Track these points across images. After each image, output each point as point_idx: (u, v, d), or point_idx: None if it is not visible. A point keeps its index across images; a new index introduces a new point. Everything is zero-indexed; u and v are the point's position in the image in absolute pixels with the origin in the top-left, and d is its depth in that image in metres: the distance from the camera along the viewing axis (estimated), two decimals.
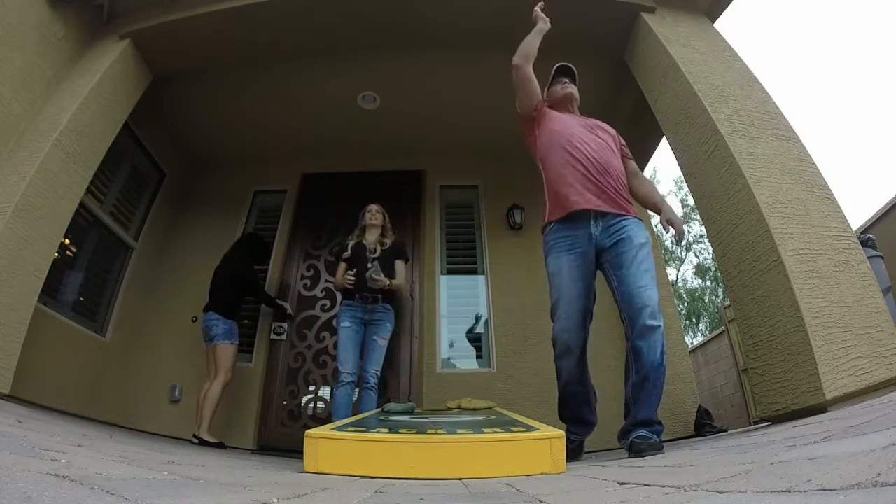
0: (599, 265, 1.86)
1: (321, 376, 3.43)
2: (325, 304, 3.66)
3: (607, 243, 1.81)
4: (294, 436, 3.05)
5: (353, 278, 2.70)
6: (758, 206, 2.01)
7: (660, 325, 1.65)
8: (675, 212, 1.90)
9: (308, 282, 3.77)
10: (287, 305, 3.52)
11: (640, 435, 1.56)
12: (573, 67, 2.22)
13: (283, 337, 3.54)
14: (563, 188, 1.88)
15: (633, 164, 2.09)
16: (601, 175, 1.86)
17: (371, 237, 2.93)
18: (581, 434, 1.89)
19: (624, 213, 1.85)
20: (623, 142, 2.13)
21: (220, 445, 2.80)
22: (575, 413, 1.87)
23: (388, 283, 2.72)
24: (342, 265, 2.89)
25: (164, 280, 3.82)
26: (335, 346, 2.95)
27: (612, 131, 2.13)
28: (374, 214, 2.97)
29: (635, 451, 1.53)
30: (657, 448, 1.52)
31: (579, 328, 1.79)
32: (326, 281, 3.72)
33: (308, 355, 3.50)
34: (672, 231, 1.87)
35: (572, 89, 2.17)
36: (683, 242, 2.15)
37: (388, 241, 2.93)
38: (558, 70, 2.22)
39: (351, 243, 2.92)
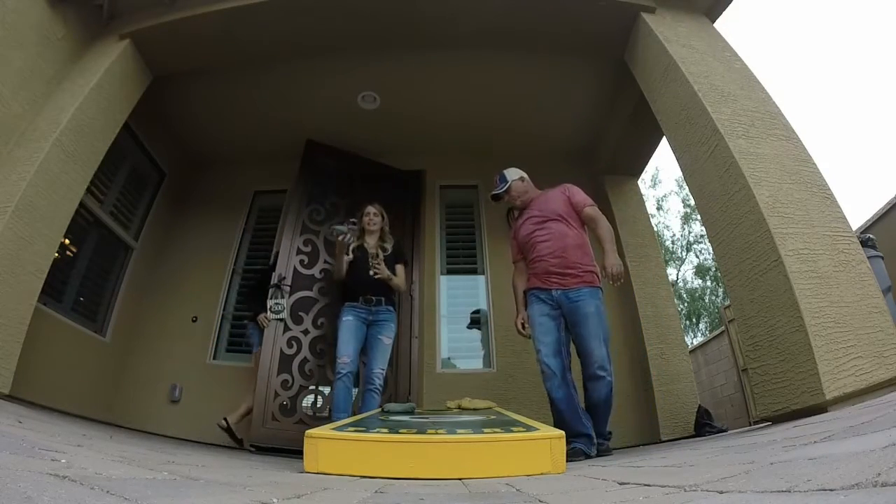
0: (563, 318, 2.28)
1: (318, 367, 3.19)
2: (323, 287, 3.44)
3: (565, 306, 2.26)
4: (286, 433, 2.86)
5: (350, 256, 2.76)
6: (758, 206, 2.01)
7: (604, 377, 2.11)
8: (616, 258, 2.25)
9: (305, 258, 3.46)
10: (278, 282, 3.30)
11: (598, 442, 2.08)
12: (495, 192, 2.57)
13: (282, 315, 3.20)
14: (533, 278, 2.40)
15: (587, 212, 2.40)
16: (558, 263, 2.29)
17: (371, 240, 2.91)
18: (585, 448, 1.99)
19: (578, 285, 2.25)
20: (576, 198, 2.43)
21: (239, 442, 2.83)
22: (573, 427, 2.02)
23: (391, 275, 2.77)
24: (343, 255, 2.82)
25: (165, 280, 3.82)
26: (334, 333, 2.78)
27: (562, 197, 2.44)
28: (371, 219, 2.92)
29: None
30: (608, 451, 2.15)
31: (555, 355, 2.19)
32: (325, 262, 3.50)
33: (304, 341, 3.21)
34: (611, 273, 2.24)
35: (516, 200, 2.54)
36: (619, 283, 2.54)
37: (388, 247, 2.91)
38: (492, 199, 2.62)
39: (353, 245, 2.87)
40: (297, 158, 3.89)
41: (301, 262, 3.45)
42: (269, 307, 3.19)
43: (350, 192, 3.69)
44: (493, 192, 2.59)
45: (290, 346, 3.19)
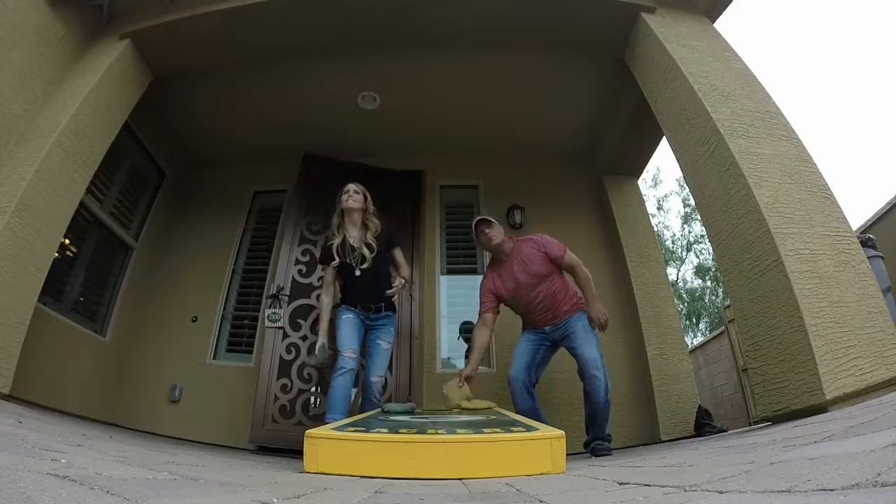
0: (559, 346, 2.53)
1: (317, 371, 3.22)
2: (321, 294, 3.34)
3: (558, 337, 2.49)
4: (285, 434, 2.95)
5: (336, 261, 2.46)
6: (758, 206, 2.01)
7: (598, 376, 2.29)
8: (599, 307, 2.49)
9: (303, 267, 3.55)
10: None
11: (598, 443, 2.28)
12: (485, 217, 2.63)
13: (279, 324, 3.31)
14: (525, 324, 2.66)
15: (566, 262, 2.54)
16: (546, 312, 2.51)
17: (353, 230, 2.55)
18: None
19: (566, 316, 2.46)
20: (552, 252, 2.51)
21: None
22: None
23: (404, 283, 2.59)
24: (330, 270, 2.55)
25: (164, 280, 3.82)
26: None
27: (539, 255, 2.51)
28: (351, 196, 2.54)
29: (595, 454, 2.25)
30: (608, 451, 2.25)
31: (524, 371, 2.46)
32: (321, 269, 3.45)
33: (303, 347, 3.29)
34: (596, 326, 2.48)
35: (496, 238, 2.56)
36: (606, 330, 2.56)
37: (372, 242, 2.52)
38: (476, 225, 2.62)
39: (335, 243, 2.51)
40: (297, 159, 3.90)
41: (299, 271, 3.54)
42: (266, 316, 3.30)
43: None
44: (485, 217, 2.62)
45: (288, 352, 3.30)
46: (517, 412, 2.38)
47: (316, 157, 3.87)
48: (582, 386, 2.38)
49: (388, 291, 2.55)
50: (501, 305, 2.65)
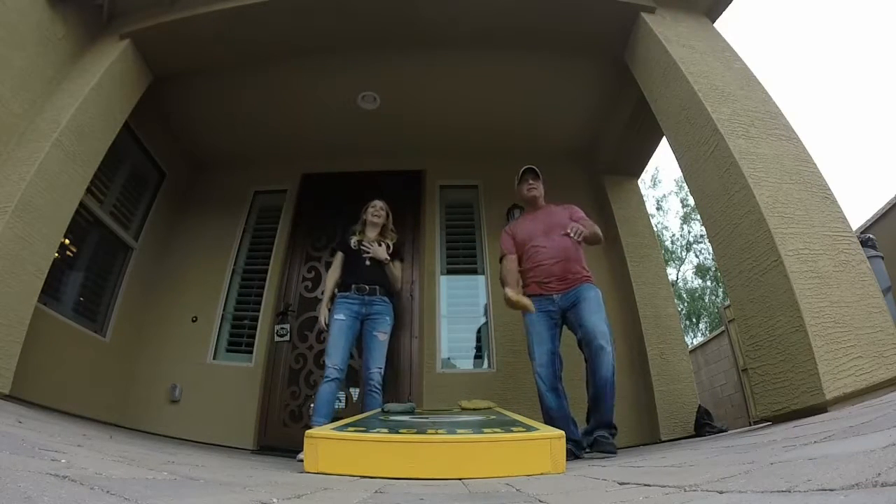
0: (565, 319, 2.39)
1: (322, 377, 3.39)
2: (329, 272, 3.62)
3: (567, 305, 2.36)
4: (295, 436, 3.03)
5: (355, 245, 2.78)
6: (758, 206, 2.01)
7: (609, 349, 2.14)
8: (583, 229, 2.41)
9: (309, 283, 3.75)
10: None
11: (602, 435, 2.08)
12: (536, 169, 2.70)
13: (287, 338, 3.52)
14: (531, 284, 2.49)
15: (582, 220, 2.53)
16: (558, 266, 2.41)
17: (371, 234, 2.87)
18: (574, 449, 2.07)
19: (576, 284, 2.37)
20: (577, 215, 2.57)
21: None
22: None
23: (386, 257, 2.72)
24: (339, 255, 2.86)
25: (165, 280, 3.82)
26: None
27: (566, 214, 2.57)
28: (377, 211, 2.90)
29: (598, 448, 2.05)
30: (613, 448, 2.06)
31: (550, 365, 2.30)
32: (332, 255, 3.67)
33: (309, 356, 3.49)
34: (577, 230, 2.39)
35: (536, 192, 2.67)
36: (575, 234, 2.39)
37: (389, 243, 2.86)
38: (525, 172, 2.70)
39: (353, 239, 2.84)
40: (297, 158, 3.92)
41: (305, 287, 3.76)
42: (275, 331, 3.53)
43: (349, 211, 3.72)
44: (533, 167, 2.69)
45: (297, 362, 3.51)
46: (544, 412, 2.28)
47: (314, 176, 4.08)
48: (583, 376, 2.25)
49: (365, 244, 2.75)
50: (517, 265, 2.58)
